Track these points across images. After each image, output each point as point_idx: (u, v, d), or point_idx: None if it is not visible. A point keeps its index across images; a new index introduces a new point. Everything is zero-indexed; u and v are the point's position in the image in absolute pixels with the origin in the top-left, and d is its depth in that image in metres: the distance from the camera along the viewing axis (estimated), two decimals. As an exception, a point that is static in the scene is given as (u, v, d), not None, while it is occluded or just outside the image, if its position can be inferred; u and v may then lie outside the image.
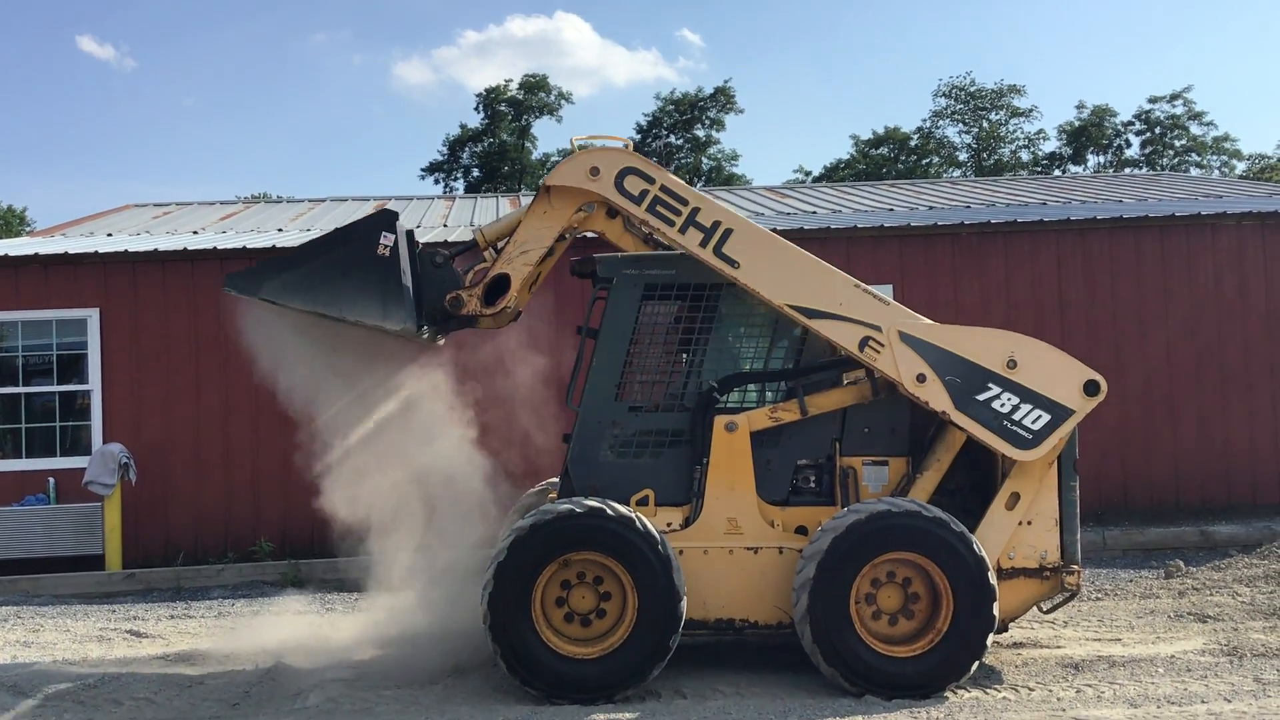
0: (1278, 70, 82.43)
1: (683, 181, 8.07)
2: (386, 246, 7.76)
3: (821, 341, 8.00)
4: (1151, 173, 43.75)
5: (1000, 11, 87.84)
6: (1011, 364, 7.63)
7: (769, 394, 8.25)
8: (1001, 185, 23.71)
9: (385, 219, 7.87)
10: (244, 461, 13.72)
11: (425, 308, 8.00)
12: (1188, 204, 16.90)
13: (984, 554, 7.33)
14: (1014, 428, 7.58)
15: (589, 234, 8.82)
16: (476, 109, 62.68)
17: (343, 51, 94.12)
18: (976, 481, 8.08)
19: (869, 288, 7.83)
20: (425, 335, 8.20)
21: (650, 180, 7.90)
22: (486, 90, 62.71)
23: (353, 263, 7.75)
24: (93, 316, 13.69)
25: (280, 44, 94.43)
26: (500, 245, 8.24)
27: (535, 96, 62.95)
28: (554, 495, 8.66)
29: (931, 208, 18.49)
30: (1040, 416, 7.59)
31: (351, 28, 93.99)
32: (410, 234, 8.10)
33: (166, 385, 13.72)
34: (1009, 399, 7.60)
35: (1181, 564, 11.33)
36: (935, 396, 7.63)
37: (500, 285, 8.07)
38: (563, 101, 63.86)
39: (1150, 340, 14.38)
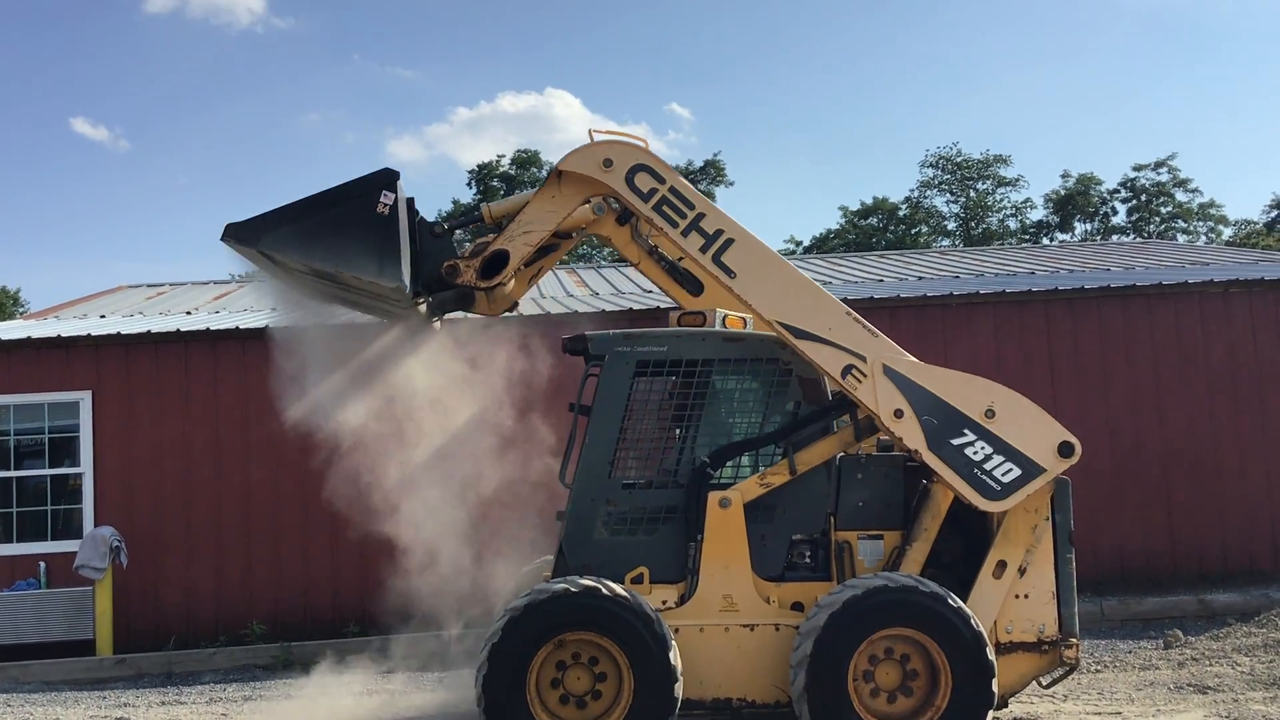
0: (1261, 136, 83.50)
1: (693, 188, 8.09)
2: (386, 205, 7.71)
3: (813, 398, 8.01)
4: (1139, 240, 44.15)
5: (985, 82, 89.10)
6: (990, 414, 7.64)
7: (761, 465, 8.24)
8: (990, 254, 23.93)
9: (386, 177, 7.83)
10: (235, 543, 13.64)
11: (421, 275, 7.95)
12: (1175, 272, 17.03)
13: (982, 629, 7.29)
14: (984, 477, 7.57)
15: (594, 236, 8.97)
16: (469, 184, 63.17)
17: (336, 130, 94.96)
18: (971, 553, 8.05)
19: (861, 318, 7.86)
20: (420, 306, 8.13)
21: (661, 180, 7.93)
22: (479, 166, 63.28)
23: (351, 219, 7.68)
24: (85, 399, 13.68)
25: (273, 123, 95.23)
26: (505, 224, 8.21)
27: (527, 171, 63.51)
28: (548, 574, 8.62)
29: (921, 278, 18.63)
30: (1011, 470, 7.59)
31: (344, 106, 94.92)
32: (410, 201, 8.04)
33: (158, 467, 13.69)
34: (983, 448, 7.60)
35: (1180, 634, 11.26)
36: (910, 434, 7.62)
37: (498, 261, 8.04)
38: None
39: (1141, 407, 14.41)
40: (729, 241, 7.85)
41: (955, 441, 7.59)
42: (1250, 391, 14.52)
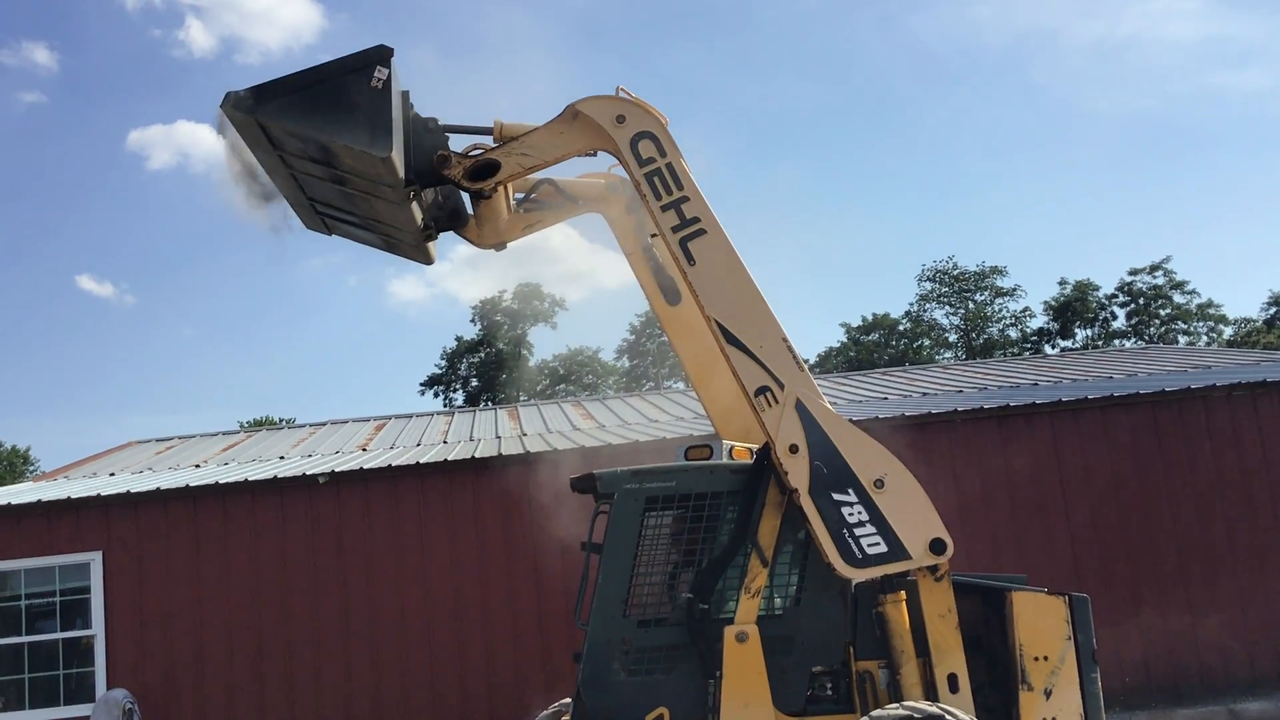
0: (1255, 234, 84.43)
1: (692, 178, 8.11)
2: (380, 79, 7.70)
3: None
4: (1139, 345, 44.36)
5: (974, 195, 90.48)
6: (879, 484, 7.62)
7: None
8: (993, 367, 24.02)
9: (379, 53, 7.81)
10: (249, 701, 13.45)
11: (412, 161, 7.97)
12: (1177, 377, 17.09)
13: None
14: (850, 540, 7.53)
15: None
16: (472, 320, 63.92)
17: (337, 274, 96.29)
18: (996, 678, 7.93)
19: (796, 350, 7.88)
20: (414, 206, 8.13)
21: (663, 154, 8.00)
22: (481, 301, 64.04)
23: (345, 91, 7.68)
24: (96, 560, 13.64)
25: (276, 271, 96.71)
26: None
27: (529, 305, 64.15)
28: (566, 717, 8.50)
29: (925, 394, 18.69)
30: (878, 544, 7.55)
31: (345, 251, 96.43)
32: (405, 94, 8.06)
33: (169, 626, 13.58)
34: (860, 512, 7.57)
35: (1214, 746, 11.04)
36: (797, 472, 7.60)
37: (489, 169, 8.08)
38: (556, 309, 65.06)
39: (1155, 516, 14.32)
40: (700, 232, 7.93)
41: (836, 496, 7.59)
42: (1264, 493, 14.44)
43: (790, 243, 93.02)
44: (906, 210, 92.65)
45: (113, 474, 16.99)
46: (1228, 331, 57.27)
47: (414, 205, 8.28)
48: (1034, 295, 71.01)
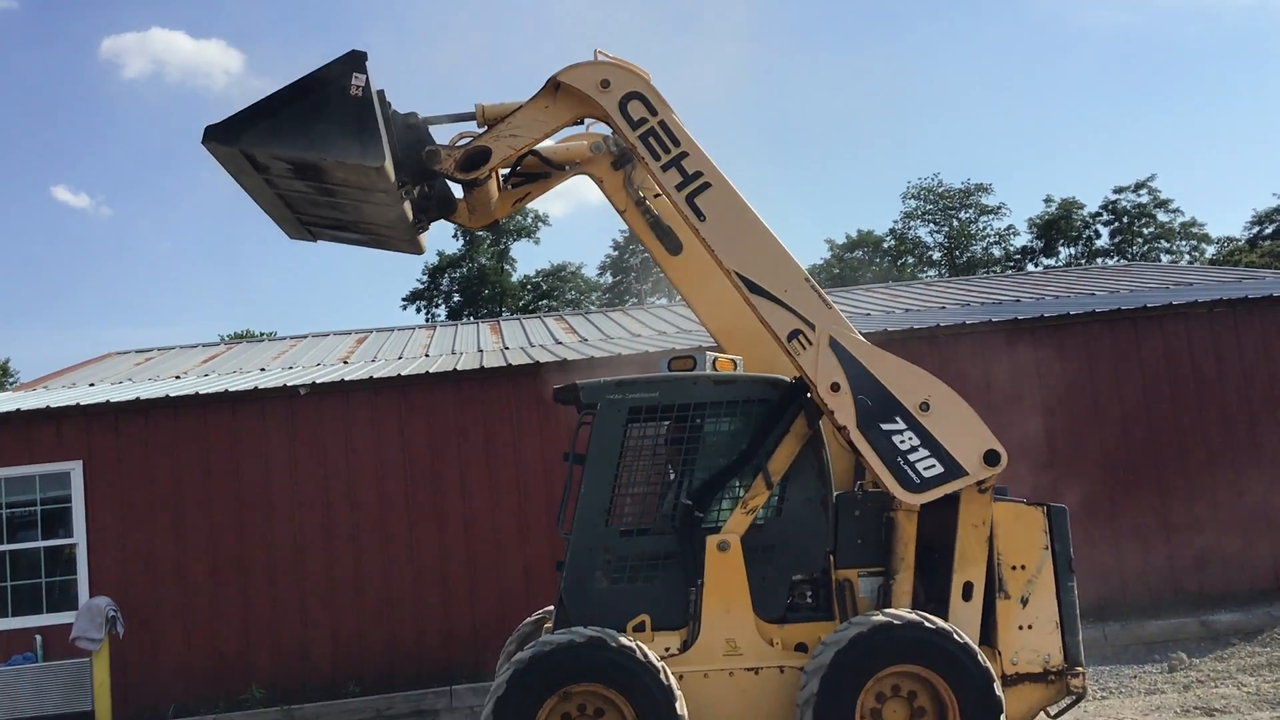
0: (1239, 153, 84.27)
1: (685, 129, 8.06)
2: (358, 86, 7.68)
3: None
4: (1122, 263, 44.43)
5: (961, 112, 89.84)
6: (924, 407, 7.66)
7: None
8: (975, 284, 24.03)
9: (354, 59, 7.77)
10: (231, 609, 13.54)
11: (400, 161, 7.90)
12: (1160, 294, 17.10)
13: (989, 665, 7.25)
14: (906, 467, 7.60)
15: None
16: (454, 235, 63.31)
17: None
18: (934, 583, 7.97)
19: (820, 288, 7.86)
20: (405, 204, 8.10)
21: (654, 112, 7.94)
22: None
23: (326, 105, 7.62)
24: (76, 469, 13.61)
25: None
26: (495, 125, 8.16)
27: (512, 220, 63.67)
28: (549, 625, 8.58)
29: (907, 310, 18.68)
30: (934, 466, 7.62)
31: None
32: (380, 93, 7.97)
33: (151, 534, 13.60)
34: (910, 438, 7.63)
35: (1184, 656, 11.24)
36: (842, 409, 7.64)
37: (480, 156, 8.03)
38: (540, 224, 64.64)
39: (1132, 430, 14.42)
40: (706, 185, 7.88)
41: (885, 426, 7.63)
42: (1239, 409, 14.55)
43: (776, 158, 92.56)
44: (893, 127, 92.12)
45: (92, 384, 16.90)
46: (1210, 251, 57.35)
47: (405, 202, 8.18)
48: (1019, 214, 71.03)
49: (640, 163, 8.11)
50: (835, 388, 7.64)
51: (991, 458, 7.63)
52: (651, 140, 7.93)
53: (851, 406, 7.63)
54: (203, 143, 7.71)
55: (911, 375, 7.80)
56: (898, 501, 7.71)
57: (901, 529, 7.79)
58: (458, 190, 8.63)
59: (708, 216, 7.85)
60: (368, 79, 7.79)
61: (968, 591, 7.65)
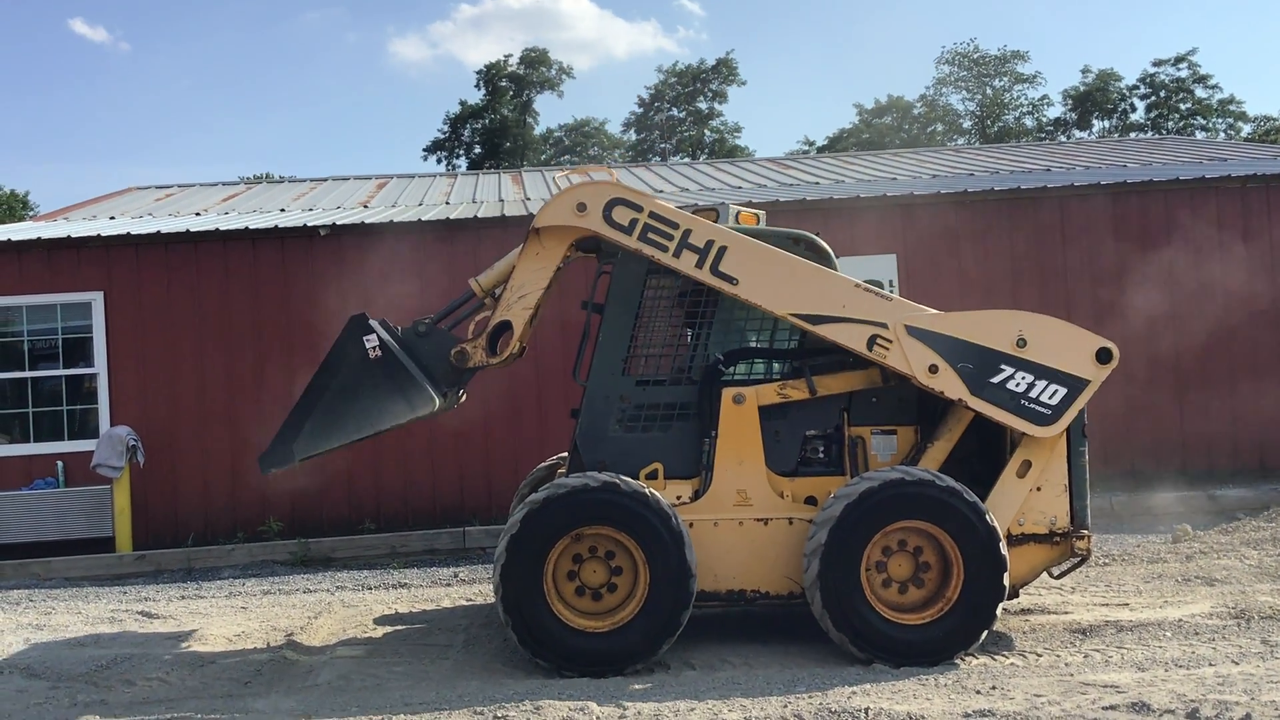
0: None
1: (670, 205, 8.00)
2: (374, 349, 7.86)
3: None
4: (1156, 137, 43.55)
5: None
6: (1021, 343, 7.61)
7: (775, 366, 8.24)
8: (1005, 152, 23.63)
9: (358, 325, 7.96)
10: (250, 441, 13.70)
11: (434, 377, 8.02)
12: (1192, 167, 16.81)
13: (995, 524, 7.34)
14: (1032, 405, 7.58)
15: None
16: (477, 85, 62.60)
17: (336, 29, 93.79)
18: (984, 448, 8.07)
19: (870, 286, 7.80)
20: (449, 400, 8.24)
21: (638, 209, 7.84)
22: (486, 66, 62.62)
23: (355, 382, 7.87)
24: (97, 300, 13.68)
25: (272, 23, 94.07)
26: (497, 293, 8.21)
27: (536, 71, 62.75)
28: (562, 470, 8.68)
29: (935, 176, 18.44)
30: (1056, 391, 7.58)
31: (344, 4, 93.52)
32: (384, 321, 8.11)
33: (172, 366, 13.73)
34: (1023, 378, 7.59)
35: (1189, 528, 11.34)
36: (950, 385, 7.62)
37: (504, 332, 8.08)
38: (564, 76, 63.69)
39: (1154, 306, 14.30)
40: (722, 250, 7.75)
41: (995, 380, 7.59)
42: (1265, 289, 14.40)
43: (802, 16, 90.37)
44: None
45: (113, 217, 16.88)
46: (1246, 129, 56.25)
47: (448, 398, 8.20)
48: (1054, 84, 69.54)
49: (654, 261, 7.90)
50: (934, 369, 7.59)
51: (1104, 355, 7.60)
52: (651, 235, 7.79)
53: (957, 378, 7.59)
54: (262, 472, 8.18)
55: (993, 319, 7.76)
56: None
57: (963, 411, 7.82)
58: None
59: (739, 278, 7.73)
60: (378, 333, 7.87)
61: (1025, 469, 7.72)
